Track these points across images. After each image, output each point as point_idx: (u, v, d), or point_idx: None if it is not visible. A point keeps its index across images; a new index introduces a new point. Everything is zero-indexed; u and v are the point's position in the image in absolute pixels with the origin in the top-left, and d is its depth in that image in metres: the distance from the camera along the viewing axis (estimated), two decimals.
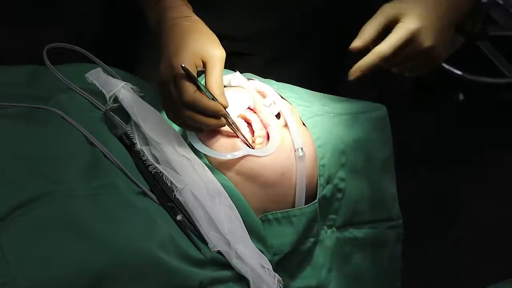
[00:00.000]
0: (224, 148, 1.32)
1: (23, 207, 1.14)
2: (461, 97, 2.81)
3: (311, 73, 1.78)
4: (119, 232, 1.16)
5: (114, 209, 1.19)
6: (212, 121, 1.27)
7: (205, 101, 1.23)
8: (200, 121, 1.26)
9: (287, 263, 1.37)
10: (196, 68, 1.26)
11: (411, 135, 2.63)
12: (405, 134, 2.60)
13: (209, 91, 1.24)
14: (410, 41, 1.37)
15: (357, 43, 1.38)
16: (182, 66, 1.22)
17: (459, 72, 2.80)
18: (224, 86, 1.42)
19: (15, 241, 1.11)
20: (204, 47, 1.26)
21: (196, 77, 1.23)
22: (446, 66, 2.81)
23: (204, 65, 1.25)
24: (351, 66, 1.39)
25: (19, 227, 1.12)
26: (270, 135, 1.35)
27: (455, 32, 2.49)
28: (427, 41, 1.38)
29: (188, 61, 1.25)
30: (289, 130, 1.36)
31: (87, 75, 1.39)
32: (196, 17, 1.31)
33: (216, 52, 1.26)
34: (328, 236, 1.42)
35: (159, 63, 1.29)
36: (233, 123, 1.31)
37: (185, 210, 1.27)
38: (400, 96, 2.81)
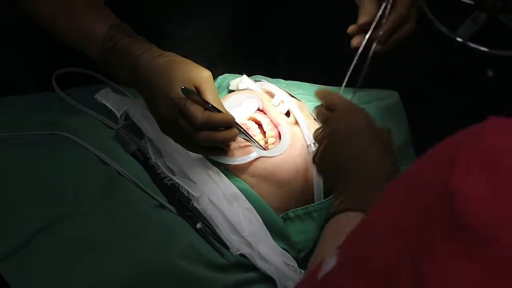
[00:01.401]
0: (236, 153, 1.32)
1: (44, 231, 1.16)
2: (490, 73, 2.77)
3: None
4: (140, 245, 1.18)
5: (132, 224, 1.21)
6: (228, 133, 1.26)
7: (215, 115, 1.23)
8: (217, 137, 1.25)
9: None
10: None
11: (446, 117, 2.61)
12: (440, 117, 2.59)
13: (213, 106, 1.24)
14: None
15: (362, 20, 1.38)
16: (182, 88, 1.21)
17: (485, 49, 2.76)
18: (232, 91, 1.44)
19: (39, 265, 1.13)
20: (191, 73, 1.26)
21: (197, 94, 1.24)
22: (472, 44, 2.77)
23: (197, 88, 1.25)
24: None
25: (42, 251, 1.15)
26: (281, 134, 1.35)
27: (477, 9, 2.47)
28: None
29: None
30: (299, 127, 1.36)
31: (96, 96, 1.42)
32: (168, 52, 1.31)
33: (204, 74, 1.26)
34: None
35: (154, 114, 1.29)
36: (243, 130, 1.32)
37: (204, 218, 1.28)
38: (429, 80, 2.78)
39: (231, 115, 1.26)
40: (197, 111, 1.21)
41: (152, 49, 1.31)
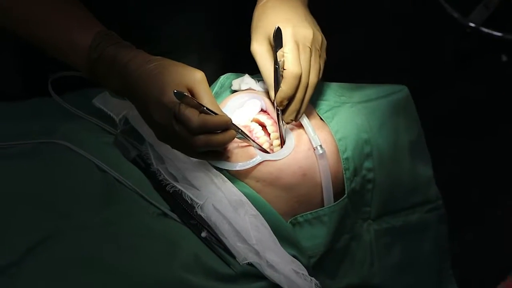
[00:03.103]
0: (239, 158, 1.27)
1: (37, 248, 1.12)
2: (504, 58, 2.71)
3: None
4: (139, 259, 1.14)
5: (131, 236, 1.17)
6: (225, 136, 1.20)
7: (211, 118, 1.17)
8: (214, 140, 1.19)
9: (325, 264, 1.33)
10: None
11: (460, 104, 2.56)
12: (454, 104, 2.54)
13: (208, 108, 1.19)
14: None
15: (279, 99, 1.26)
16: (174, 92, 1.15)
17: (498, 34, 2.70)
18: (235, 91, 1.39)
19: (31, 284, 1.09)
20: (183, 75, 1.19)
21: (191, 96, 1.18)
22: (485, 30, 2.72)
23: (191, 91, 1.19)
24: None
25: (35, 269, 1.11)
26: (285, 136, 1.30)
27: None
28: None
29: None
30: (304, 128, 1.31)
31: (93, 101, 1.36)
32: (156, 56, 1.24)
33: (196, 75, 1.20)
34: (365, 229, 1.37)
35: (148, 121, 1.23)
36: (242, 132, 1.26)
37: (209, 226, 1.23)
38: (443, 67, 2.74)
39: (227, 117, 1.20)
40: (192, 115, 1.15)
41: (139, 55, 1.24)
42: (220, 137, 1.19)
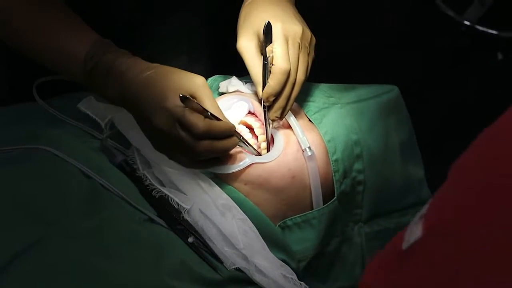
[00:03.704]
0: (228, 161, 1.25)
1: (22, 255, 1.09)
2: (500, 56, 2.69)
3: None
4: (124, 267, 1.12)
5: (117, 243, 1.15)
6: (228, 143, 1.19)
7: (217, 123, 1.16)
8: (218, 147, 1.18)
9: (315, 268, 1.31)
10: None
11: (456, 102, 2.54)
12: (450, 102, 2.52)
13: (213, 114, 1.17)
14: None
15: (266, 95, 1.24)
16: (180, 96, 1.13)
17: (494, 32, 2.68)
18: (223, 93, 1.37)
19: None
20: (184, 82, 1.18)
21: (196, 102, 1.17)
22: (480, 28, 2.70)
23: (193, 97, 1.17)
24: None
25: (21, 276, 1.08)
26: (274, 139, 1.28)
27: None
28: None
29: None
30: (293, 130, 1.29)
31: (78, 105, 1.34)
32: (155, 64, 1.23)
33: (198, 81, 1.18)
34: (356, 232, 1.35)
35: (145, 130, 1.21)
36: (242, 138, 1.24)
37: (196, 231, 1.21)
38: (438, 65, 2.72)
39: (231, 123, 1.19)
40: (197, 120, 1.14)
41: (137, 62, 1.23)
42: (223, 143, 1.18)
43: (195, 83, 1.18)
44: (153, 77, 1.19)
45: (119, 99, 1.24)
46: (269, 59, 1.24)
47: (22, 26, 1.31)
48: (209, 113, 1.16)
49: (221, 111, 1.19)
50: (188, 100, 1.13)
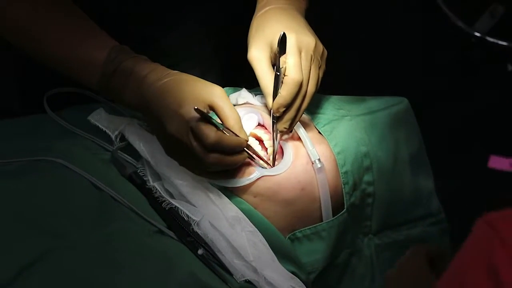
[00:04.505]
0: (238, 174, 1.25)
1: (30, 268, 1.10)
2: (510, 67, 2.69)
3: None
4: (133, 280, 1.12)
5: (126, 255, 1.15)
6: (238, 158, 1.20)
7: (228, 138, 1.17)
8: (227, 161, 1.19)
9: (325, 280, 1.31)
10: (207, 113, 1.19)
11: (466, 114, 2.54)
12: (460, 114, 2.52)
13: (226, 128, 1.18)
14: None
15: (277, 105, 1.25)
16: (195, 109, 1.14)
17: (504, 43, 2.68)
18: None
19: None
20: (202, 91, 1.19)
21: (210, 116, 1.17)
22: (490, 39, 2.69)
23: (211, 106, 1.18)
24: None
25: None
26: (283, 151, 1.28)
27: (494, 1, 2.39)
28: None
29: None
30: (302, 142, 1.29)
31: (89, 117, 1.35)
32: (174, 71, 1.24)
33: (216, 91, 1.19)
34: (366, 244, 1.35)
35: (160, 134, 1.22)
36: (254, 153, 1.25)
37: (206, 243, 1.21)
38: (447, 77, 2.72)
39: (244, 139, 1.19)
40: (209, 131, 1.15)
41: (158, 68, 1.24)
42: (232, 158, 1.19)
43: (214, 93, 1.19)
44: (172, 84, 1.20)
45: (137, 103, 1.24)
46: (282, 70, 1.24)
47: (41, 32, 1.31)
48: (222, 128, 1.16)
49: (240, 121, 1.19)
50: (202, 113, 1.14)
